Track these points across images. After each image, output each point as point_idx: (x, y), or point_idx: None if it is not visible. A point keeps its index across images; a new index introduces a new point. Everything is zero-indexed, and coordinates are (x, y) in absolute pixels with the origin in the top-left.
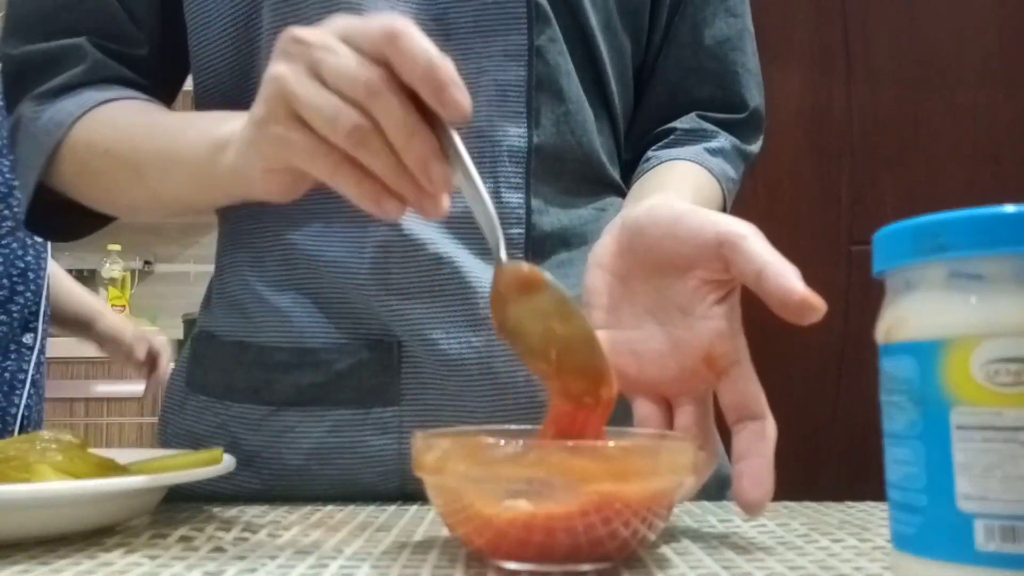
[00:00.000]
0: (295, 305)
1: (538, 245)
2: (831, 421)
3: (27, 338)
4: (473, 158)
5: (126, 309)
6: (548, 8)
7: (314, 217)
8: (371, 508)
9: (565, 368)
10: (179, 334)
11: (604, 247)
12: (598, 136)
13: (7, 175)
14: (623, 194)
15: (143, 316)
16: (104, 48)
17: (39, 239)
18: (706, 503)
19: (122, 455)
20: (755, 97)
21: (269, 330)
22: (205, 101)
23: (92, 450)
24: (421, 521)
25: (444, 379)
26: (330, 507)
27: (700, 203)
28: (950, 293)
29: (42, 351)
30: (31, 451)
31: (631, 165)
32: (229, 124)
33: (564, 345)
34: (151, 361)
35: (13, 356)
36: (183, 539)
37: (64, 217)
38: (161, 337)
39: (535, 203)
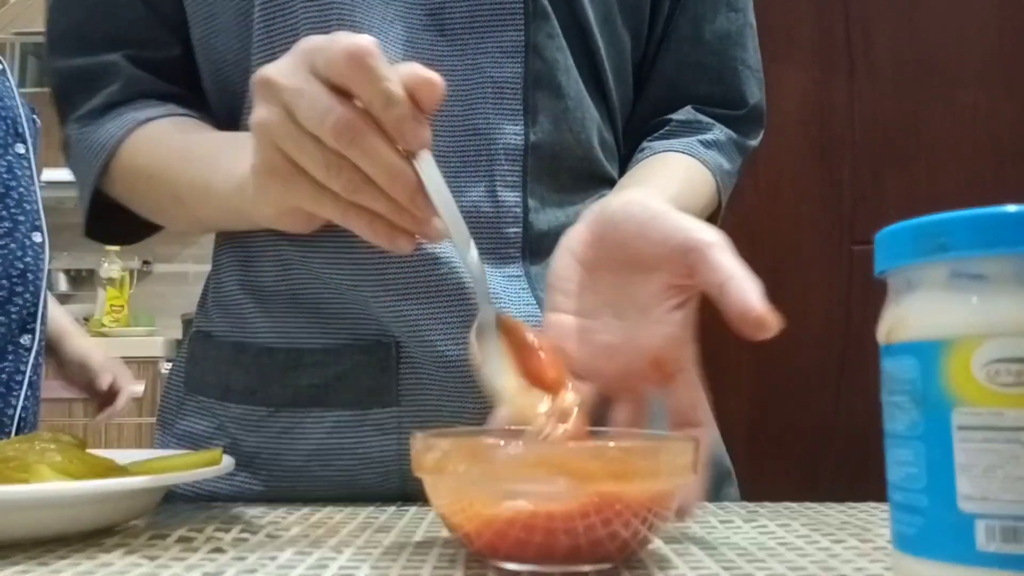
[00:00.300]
0: (292, 306)
1: (535, 243)
2: (832, 421)
3: (25, 339)
4: (469, 156)
5: (124, 309)
6: (546, 2)
7: None
8: (371, 509)
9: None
10: (178, 334)
11: (577, 233)
12: (596, 132)
13: (4, 175)
14: None
15: (142, 316)
16: (138, 60)
17: (37, 240)
18: (707, 504)
19: (121, 456)
20: (755, 94)
21: (266, 331)
22: (216, 93)
23: (91, 451)
24: (421, 522)
25: (443, 379)
26: (329, 508)
27: (689, 195)
28: (951, 293)
29: (40, 352)
30: (30, 452)
31: (628, 159)
32: (249, 159)
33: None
34: (111, 394)
35: (11, 357)
36: (182, 540)
37: (121, 222)
38: (127, 374)
39: (532, 201)
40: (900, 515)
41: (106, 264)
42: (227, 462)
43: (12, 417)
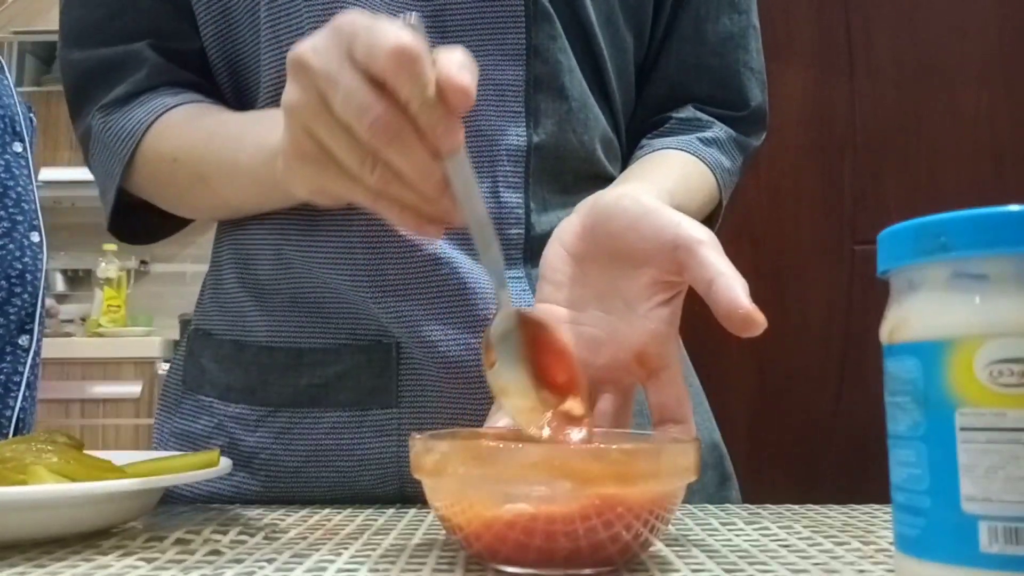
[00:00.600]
0: (292, 305)
1: (537, 245)
2: (833, 422)
3: (23, 340)
4: (472, 157)
5: (122, 309)
6: (548, 5)
7: (307, 217)
8: (369, 511)
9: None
10: (175, 334)
11: (570, 225)
12: (600, 133)
13: (2, 175)
14: None
15: (139, 316)
16: (162, 50)
17: (35, 240)
18: (708, 506)
19: (118, 457)
20: (756, 96)
21: (265, 330)
22: (231, 89)
23: (88, 452)
24: (420, 524)
25: (442, 381)
26: (328, 510)
27: (685, 192)
28: (953, 293)
29: (37, 353)
30: (27, 452)
31: (628, 157)
32: (280, 130)
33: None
34: None
35: (9, 358)
36: (180, 542)
37: (144, 220)
38: None
39: (534, 203)
40: (902, 516)
41: (103, 264)
42: (224, 463)
43: (10, 418)
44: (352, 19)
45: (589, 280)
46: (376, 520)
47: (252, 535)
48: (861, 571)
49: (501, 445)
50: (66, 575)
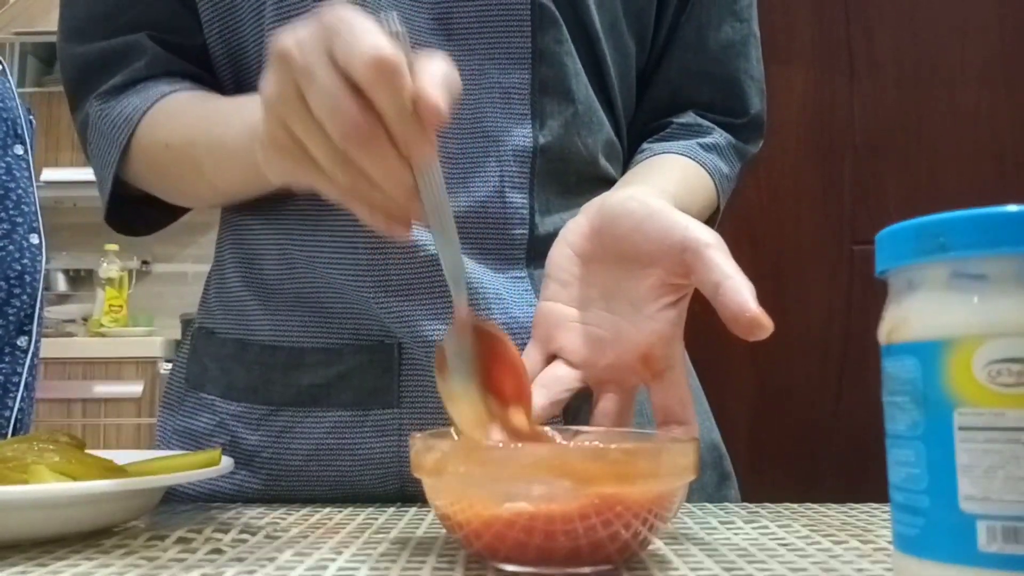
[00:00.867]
0: (295, 304)
1: (540, 245)
2: (833, 422)
3: (21, 341)
4: (478, 158)
5: (123, 309)
6: (554, 9)
7: (311, 217)
8: (370, 510)
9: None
10: (177, 334)
11: (577, 225)
12: (604, 137)
13: (3, 177)
14: None
15: (140, 316)
16: (163, 42)
17: (34, 242)
18: (708, 505)
19: (120, 456)
20: (756, 104)
21: (268, 329)
22: (233, 87)
23: (90, 451)
24: (420, 523)
25: None
26: (329, 508)
27: (685, 196)
28: (952, 293)
29: (36, 355)
30: (29, 452)
31: (629, 161)
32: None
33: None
34: None
35: (7, 359)
36: (181, 540)
37: (140, 211)
38: None
39: (538, 204)
40: (901, 516)
41: (105, 264)
42: (226, 463)
43: (9, 419)
44: (337, 15)
45: (595, 280)
46: (376, 519)
47: (253, 534)
48: (860, 570)
49: (501, 445)
50: (68, 574)
